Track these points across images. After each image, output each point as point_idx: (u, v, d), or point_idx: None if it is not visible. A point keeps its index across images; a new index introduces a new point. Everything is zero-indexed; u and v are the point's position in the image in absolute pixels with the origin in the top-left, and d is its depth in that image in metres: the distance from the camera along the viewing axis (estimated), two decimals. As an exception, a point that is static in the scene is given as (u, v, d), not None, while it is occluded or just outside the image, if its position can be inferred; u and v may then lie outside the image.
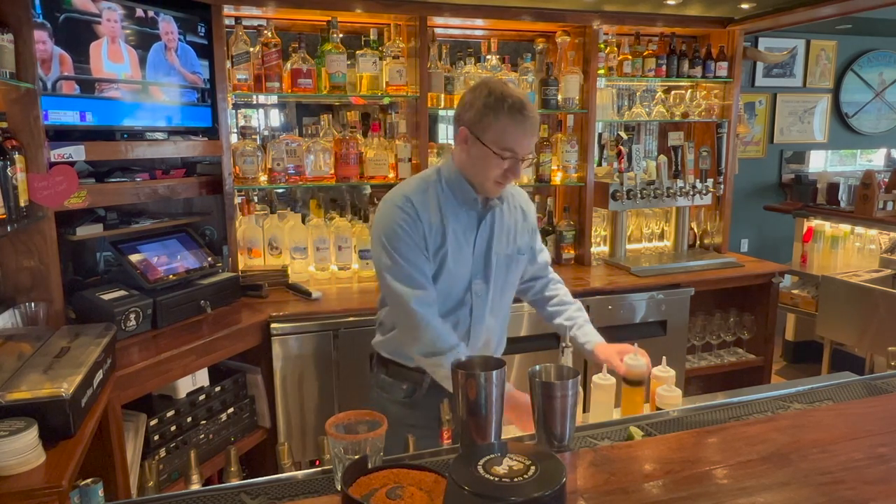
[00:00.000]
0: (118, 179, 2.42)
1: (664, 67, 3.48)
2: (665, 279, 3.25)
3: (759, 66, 5.32)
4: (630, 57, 3.44)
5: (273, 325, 2.62)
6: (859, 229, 4.37)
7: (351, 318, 2.70)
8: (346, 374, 2.72)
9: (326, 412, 1.98)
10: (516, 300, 2.06)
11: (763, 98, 5.44)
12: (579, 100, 3.35)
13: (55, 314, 2.12)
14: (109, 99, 2.28)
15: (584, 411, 1.87)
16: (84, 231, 2.37)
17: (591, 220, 3.49)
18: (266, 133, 3.33)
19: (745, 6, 3.24)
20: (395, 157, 3.06)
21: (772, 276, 3.51)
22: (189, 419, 2.37)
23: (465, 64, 3.32)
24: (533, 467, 0.99)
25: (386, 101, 3.29)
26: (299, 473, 1.28)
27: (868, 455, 1.24)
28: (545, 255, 2.11)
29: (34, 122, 2.01)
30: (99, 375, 1.83)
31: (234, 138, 2.93)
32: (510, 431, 1.64)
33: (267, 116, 3.52)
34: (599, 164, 3.63)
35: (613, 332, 2.93)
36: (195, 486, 1.35)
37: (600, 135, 3.64)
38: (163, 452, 2.24)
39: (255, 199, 3.28)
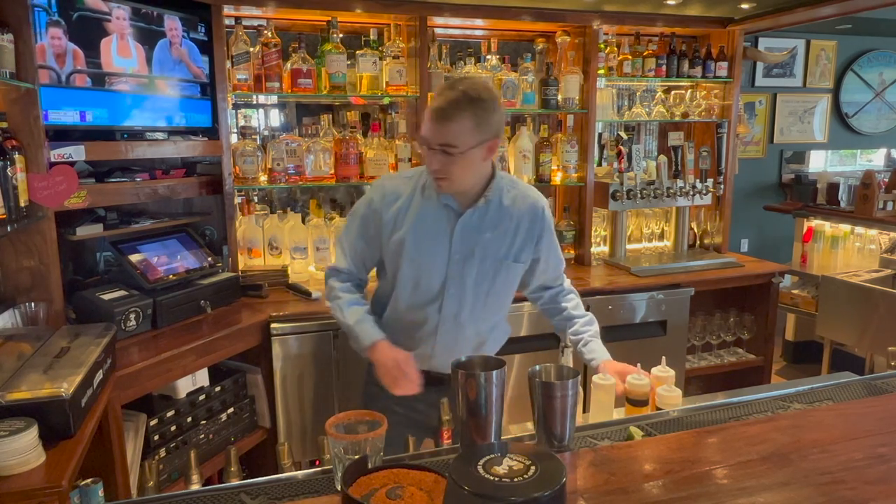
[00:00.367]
0: (118, 179, 2.43)
1: (664, 67, 3.48)
2: (665, 279, 3.25)
3: (759, 66, 5.32)
4: (630, 57, 3.44)
5: (273, 325, 2.62)
6: (859, 229, 4.37)
7: (351, 318, 2.69)
8: (346, 374, 2.72)
9: (326, 412, 1.97)
10: (518, 300, 2.06)
11: (763, 98, 5.44)
12: (579, 100, 3.35)
13: (55, 314, 2.12)
14: (118, 92, 2.35)
15: (584, 411, 1.87)
16: (84, 231, 2.37)
17: (591, 220, 3.49)
18: (266, 133, 3.32)
19: (745, 6, 3.24)
20: (395, 157, 3.07)
21: (772, 276, 3.51)
22: (189, 419, 2.37)
23: (465, 64, 3.32)
24: (533, 467, 0.99)
25: (386, 101, 3.29)
26: (299, 473, 1.28)
27: (868, 455, 1.24)
28: (557, 265, 2.03)
29: (34, 122, 2.01)
30: (99, 375, 1.83)
31: (234, 138, 2.93)
32: (510, 431, 1.64)
33: (267, 116, 3.52)
34: (599, 164, 3.63)
35: (613, 332, 2.95)
36: (195, 486, 1.35)
37: (600, 135, 3.64)
38: (163, 452, 2.24)
39: (255, 199, 3.27)
